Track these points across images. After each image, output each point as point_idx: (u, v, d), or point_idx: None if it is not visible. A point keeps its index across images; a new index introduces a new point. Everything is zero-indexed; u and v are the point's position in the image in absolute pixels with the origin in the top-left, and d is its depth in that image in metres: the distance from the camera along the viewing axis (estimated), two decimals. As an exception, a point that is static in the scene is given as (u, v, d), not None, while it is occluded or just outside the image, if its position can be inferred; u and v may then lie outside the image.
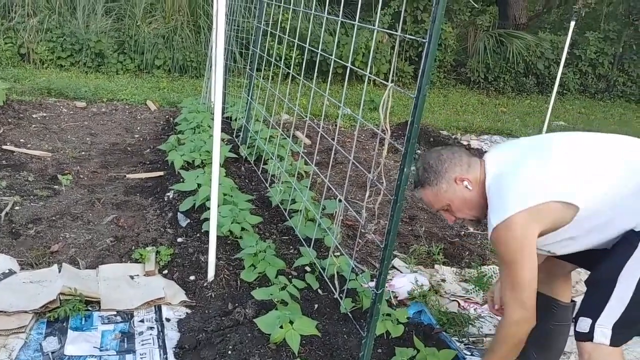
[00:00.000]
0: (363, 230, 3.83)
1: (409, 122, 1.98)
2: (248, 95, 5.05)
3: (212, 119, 2.89)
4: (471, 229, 4.27)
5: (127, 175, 4.54)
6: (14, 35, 8.36)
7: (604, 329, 1.88)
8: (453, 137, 6.85)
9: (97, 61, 8.54)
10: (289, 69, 3.86)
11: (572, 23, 7.60)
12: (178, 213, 3.77)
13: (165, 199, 4.05)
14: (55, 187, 4.17)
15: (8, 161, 4.57)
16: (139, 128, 6.01)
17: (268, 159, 4.56)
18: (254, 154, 4.86)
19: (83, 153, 5.03)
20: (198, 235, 3.49)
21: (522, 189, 1.92)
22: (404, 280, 3.28)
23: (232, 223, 3.36)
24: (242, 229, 3.40)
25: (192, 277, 3.07)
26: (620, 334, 1.90)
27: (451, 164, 2.09)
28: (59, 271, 3.01)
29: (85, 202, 3.97)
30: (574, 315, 2.03)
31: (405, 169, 2.03)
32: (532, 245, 1.91)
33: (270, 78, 4.45)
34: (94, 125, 5.93)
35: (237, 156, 4.88)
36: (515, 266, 1.92)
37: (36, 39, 8.35)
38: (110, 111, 6.54)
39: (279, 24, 3.92)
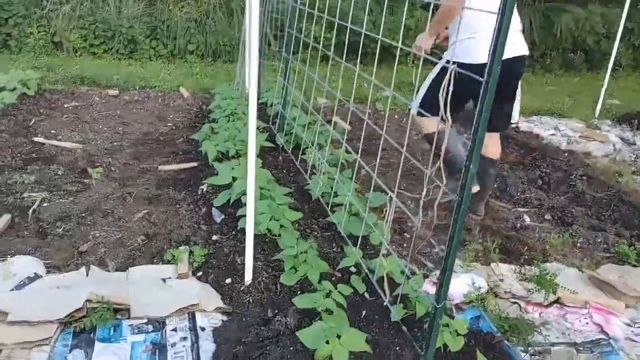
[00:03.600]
0: (414, 230, 3.53)
1: (477, 110, 1.67)
2: (285, 80, 4.78)
3: (247, 106, 2.64)
4: (527, 220, 3.92)
5: (160, 167, 4.33)
6: (47, 23, 8.26)
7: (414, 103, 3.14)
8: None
9: (130, 48, 8.38)
10: (328, 51, 3.57)
11: (629, -7, 7.05)
12: (212, 208, 3.54)
13: (199, 193, 3.83)
14: (86, 181, 3.99)
15: (38, 154, 4.41)
16: (171, 116, 5.81)
17: (306, 148, 4.28)
18: (292, 142, 4.57)
19: (115, 144, 4.85)
20: (234, 232, 3.26)
21: None
22: (458, 281, 2.98)
23: (270, 220, 3.11)
24: (281, 226, 3.15)
25: (228, 280, 2.84)
26: (423, 108, 3.05)
27: None
28: (87, 274, 2.82)
29: (116, 196, 3.78)
30: None
31: (471, 167, 1.73)
32: None
33: (307, 61, 4.16)
34: (126, 114, 5.75)
35: (273, 145, 4.62)
36: None
37: (69, 26, 8.22)
38: (143, 99, 6.36)
39: (316, 3, 3.61)
